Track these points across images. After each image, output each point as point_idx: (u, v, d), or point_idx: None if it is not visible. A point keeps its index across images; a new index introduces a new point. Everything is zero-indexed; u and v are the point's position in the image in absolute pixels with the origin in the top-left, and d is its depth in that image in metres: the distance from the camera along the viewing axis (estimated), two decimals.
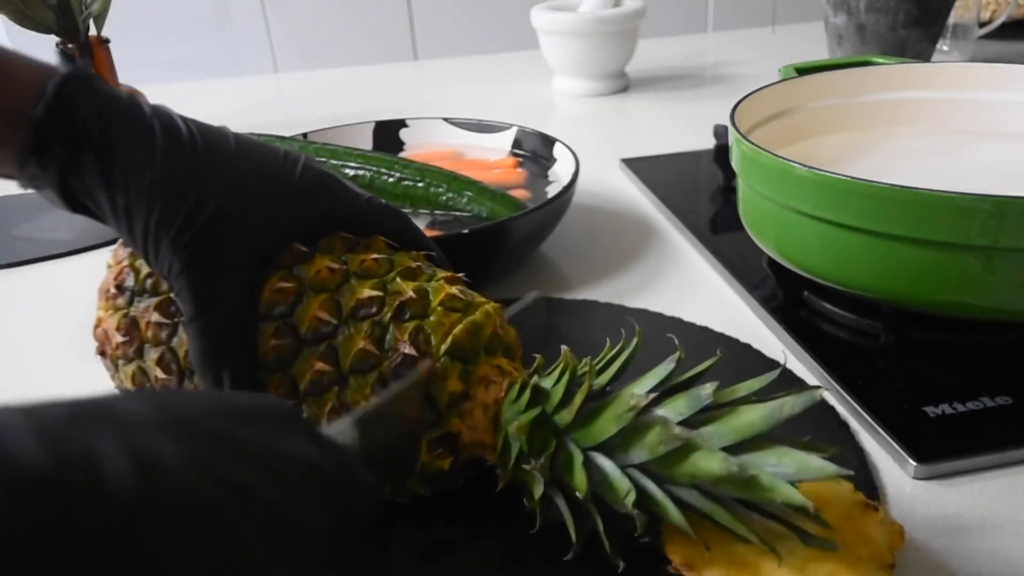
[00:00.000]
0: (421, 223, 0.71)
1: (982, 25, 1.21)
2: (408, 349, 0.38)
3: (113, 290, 0.44)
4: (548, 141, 0.81)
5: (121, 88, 0.36)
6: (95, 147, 0.35)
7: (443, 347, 0.39)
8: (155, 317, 0.42)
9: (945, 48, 1.20)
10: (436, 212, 0.72)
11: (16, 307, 0.71)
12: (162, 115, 0.38)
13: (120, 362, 0.44)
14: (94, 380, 0.57)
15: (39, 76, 0.35)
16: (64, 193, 0.37)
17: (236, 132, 0.40)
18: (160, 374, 0.41)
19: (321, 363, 0.39)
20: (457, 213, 0.71)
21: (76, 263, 0.78)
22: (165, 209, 0.36)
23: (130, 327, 0.43)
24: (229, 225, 0.37)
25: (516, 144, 0.84)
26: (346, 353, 0.39)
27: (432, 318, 0.39)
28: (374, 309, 0.39)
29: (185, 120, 0.38)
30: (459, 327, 0.39)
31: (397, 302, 0.39)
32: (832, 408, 0.50)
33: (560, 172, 0.78)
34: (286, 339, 0.39)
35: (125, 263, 0.44)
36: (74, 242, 0.81)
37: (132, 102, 0.37)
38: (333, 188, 0.41)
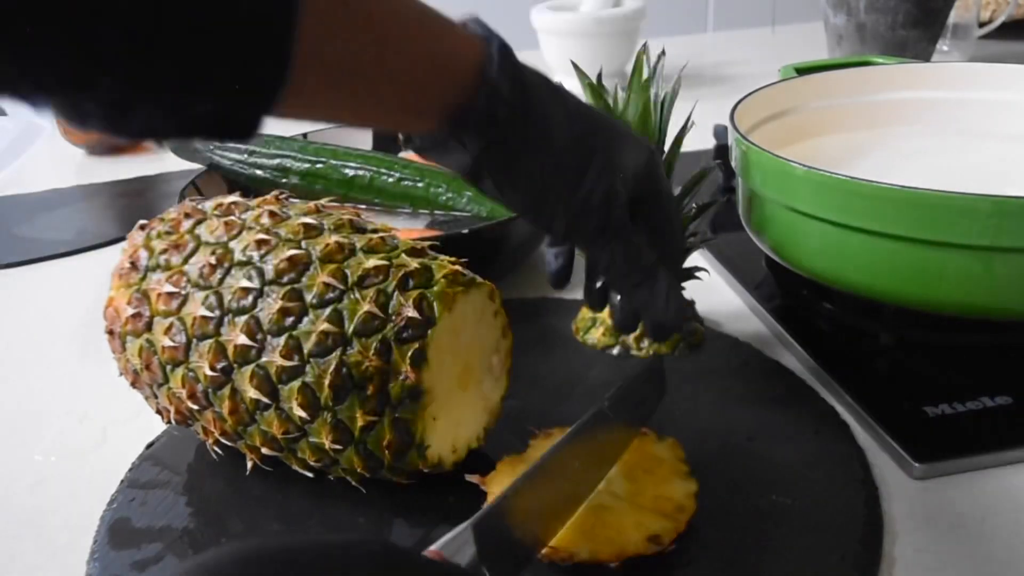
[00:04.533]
0: (421, 223, 0.71)
1: (982, 25, 1.21)
2: (412, 312, 0.40)
3: (127, 267, 0.45)
4: None
5: None
6: (516, 121, 0.37)
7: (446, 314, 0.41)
8: (167, 287, 0.43)
9: (945, 48, 1.20)
10: (436, 212, 0.72)
11: (16, 307, 0.71)
12: (561, 98, 0.40)
13: (128, 339, 0.44)
14: (94, 380, 0.57)
15: (470, 33, 0.36)
16: (475, 164, 0.37)
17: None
18: (168, 343, 0.42)
19: (327, 325, 0.40)
20: (457, 213, 0.71)
21: (76, 263, 0.78)
22: (573, 170, 0.39)
23: (140, 300, 0.44)
24: (611, 176, 0.40)
25: None
26: (351, 316, 0.40)
27: (435, 288, 0.41)
28: (380, 278, 0.41)
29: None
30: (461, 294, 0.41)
31: (402, 272, 0.41)
32: (832, 408, 0.50)
33: None
34: (293, 303, 0.41)
35: (140, 245, 0.46)
36: (74, 242, 0.81)
37: (544, 90, 0.38)
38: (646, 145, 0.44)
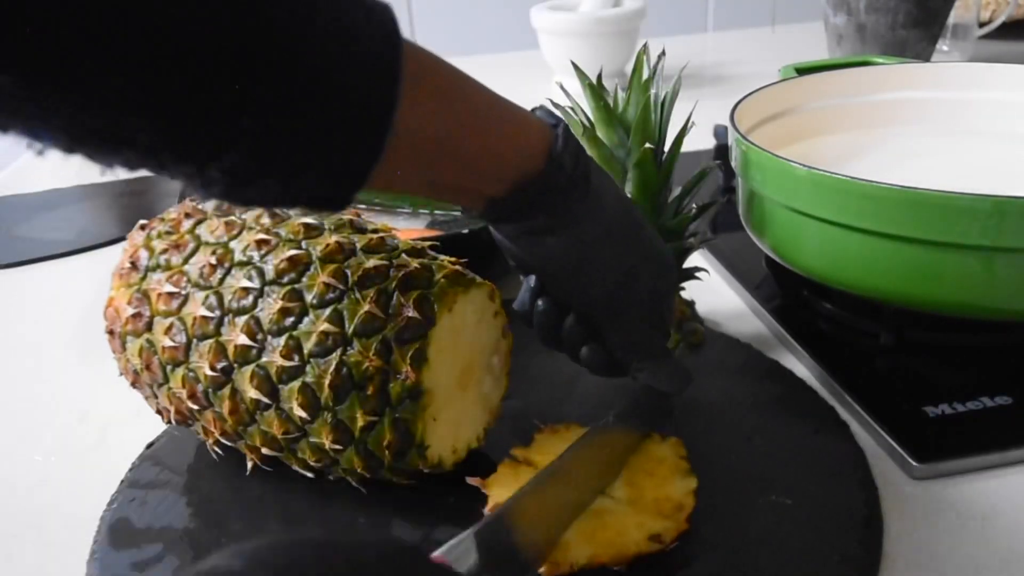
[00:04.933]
0: (421, 223, 0.71)
1: (982, 25, 1.21)
2: (412, 312, 0.40)
3: (127, 267, 0.45)
4: None
5: None
6: (577, 191, 0.40)
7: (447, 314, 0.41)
8: (167, 287, 0.43)
9: (945, 48, 1.20)
10: (436, 212, 0.72)
11: (16, 307, 0.71)
12: (610, 185, 0.43)
13: (128, 338, 0.45)
14: (94, 380, 0.57)
15: (538, 120, 0.40)
16: (521, 231, 0.41)
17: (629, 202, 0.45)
18: (168, 343, 0.42)
19: (327, 325, 0.40)
20: (457, 213, 0.71)
21: (76, 263, 0.78)
22: (611, 258, 0.42)
23: (140, 300, 0.44)
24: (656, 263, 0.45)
25: None
26: (351, 317, 0.40)
27: (435, 288, 0.41)
28: (380, 278, 0.41)
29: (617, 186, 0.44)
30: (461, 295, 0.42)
31: (402, 272, 0.41)
32: (832, 408, 0.50)
33: None
34: (293, 303, 0.40)
35: (140, 245, 0.46)
36: (74, 242, 0.81)
37: (597, 171, 0.42)
38: (668, 272, 0.46)
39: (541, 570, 0.38)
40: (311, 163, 0.31)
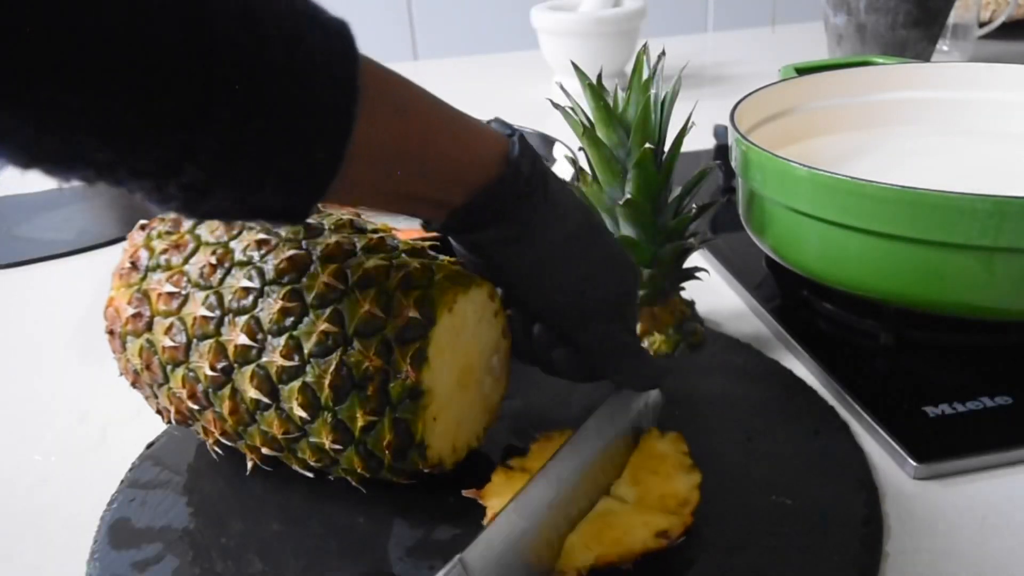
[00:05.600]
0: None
1: (982, 25, 1.21)
2: (412, 312, 0.40)
3: (127, 267, 0.45)
4: (548, 141, 0.81)
5: None
6: (537, 198, 0.40)
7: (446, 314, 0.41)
8: (167, 287, 0.43)
9: (945, 48, 1.20)
10: None
11: (16, 307, 0.71)
12: (567, 191, 0.43)
13: (128, 338, 0.44)
14: (94, 380, 0.57)
15: (492, 133, 0.40)
16: (483, 241, 0.41)
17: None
18: (168, 343, 0.42)
19: (327, 325, 0.40)
20: None
21: (76, 263, 0.78)
22: (573, 264, 0.42)
23: (141, 300, 0.44)
24: (590, 295, 0.44)
25: None
26: (352, 317, 0.40)
27: (436, 288, 0.41)
28: (380, 278, 0.41)
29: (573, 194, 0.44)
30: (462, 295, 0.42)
31: (403, 273, 0.41)
32: (832, 408, 0.50)
33: (560, 172, 0.77)
34: (293, 303, 0.41)
35: (140, 245, 0.46)
36: (74, 242, 0.81)
37: (554, 178, 0.42)
38: (630, 274, 0.46)
39: None
40: (270, 178, 0.31)
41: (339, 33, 0.32)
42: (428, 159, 0.37)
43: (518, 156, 0.39)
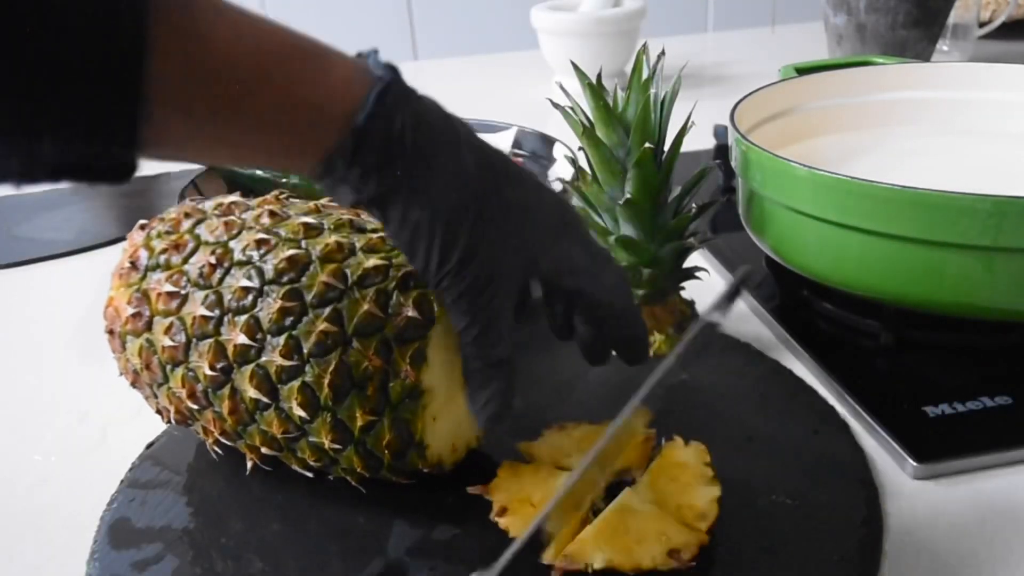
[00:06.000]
0: None
1: (982, 25, 1.21)
2: (412, 312, 0.40)
3: (127, 267, 0.45)
4: (548, 141, 0.81)
5: None
6: (406, 161, 0.35)
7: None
8: (167, 287, 0.43)
9: (945, 48, 1.20)
10: None
11: (16, 307, 0.71)
12: (462, 129, 0.37)
13: (128, 338, 0.45)
14: (94, 380, 0.57)
15: (352, 75, 0.34)
16: (358, 194, 0.36)
17: (500, 152, 0.39)
18: (167, 342, 0.42)
19: (327, 325, 0.40)
20: None
21: (76, 263, 0.78)
22: (449, 232, 0.36)
23: (140, 300, 0.44)
24: (501, 256, 0.38)
25: (516, 144, 0.84)
26: (351, 316, 0.40)
27: None
28: (379, 278, 0.41)
29: (471, 134, 0.38)
30: None
31: (402, 272, 0.41)
32: (832, 408, 0.50)
33: (560, 172, 0.78)
34: (293, 302, 0.40)
35: (140, 244, 0.46)
36: (74, 242, 0.81)
37: (442, 115, 0.37)
38: (577, 233, 0.41)
39: (555, 561, 0.37)
40: (48, 124, 0.27)
41: None
42: (252, 117, 0.32)
43: (366, 121, 0.34)
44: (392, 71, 0.35)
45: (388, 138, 0.34)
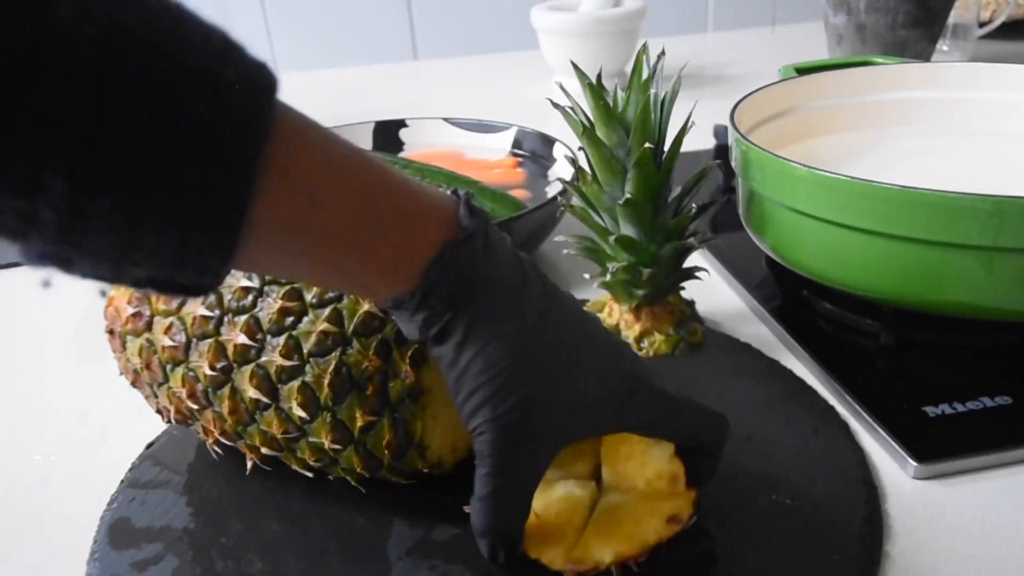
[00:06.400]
0: None
1: (982, 25, 1.21)
2: None
3: None
4: (548, 141, 0.81)
5: None
6: (470, 307, 0.35)
7: None
8: None
9: (945, 48, 1.20)
10: None
11: (16, 307, 0.71)
12: (531, 281, 0.37)
13: (128, 338, 0.45)
14: (94, 380, 0.57)
15: (439, 238, 0.34)
16: (423, 325, 0.36)
17: (578, 311, 0.39)
18: (167, 342, 0.42)
19: (327, 325, 0.40)
20: None
21: None
22: (501, 388, 0.35)
23: (140, 299, 0.44)
24: (551, 420, 0.37)
25: (516, 144, 0.84)
26: (351, 316, 0.40)
27: None
28: None
29: (545, 294, 0.37)
30: None
31: None
32: (832, 408, 0.50)
33: (560, 172, 0.78)
34: (293, 302, 0.41)
35: None
36: None
37: (513, 266, 0.36)
38: (649, 401, 0.39)
39: (564, 568, 0.37)
40: (154, 255, 0.27)
41: (256, 76, 0.29)
42: (356, 243, 0.33)
43: (440, 273, 0.34)
44: (482, 220, 0.35)
45: (454, 294, 0.35)
